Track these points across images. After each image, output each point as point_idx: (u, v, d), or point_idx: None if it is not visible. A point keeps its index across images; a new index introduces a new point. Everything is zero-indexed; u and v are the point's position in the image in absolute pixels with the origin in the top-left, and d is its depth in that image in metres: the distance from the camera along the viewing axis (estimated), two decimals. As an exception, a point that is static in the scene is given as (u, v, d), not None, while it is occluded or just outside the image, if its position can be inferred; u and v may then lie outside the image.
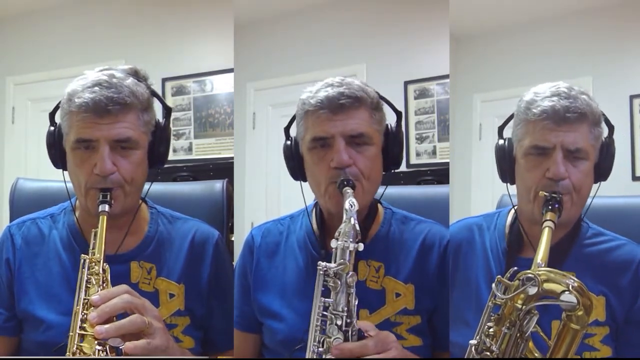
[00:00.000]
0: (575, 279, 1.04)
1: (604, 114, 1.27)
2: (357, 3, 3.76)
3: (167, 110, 1.33)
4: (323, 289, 1.12)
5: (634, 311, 1.26)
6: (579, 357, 1.24)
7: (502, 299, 1.07)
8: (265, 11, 3.95)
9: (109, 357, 1.07)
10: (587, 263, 1.28)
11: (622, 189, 3.33)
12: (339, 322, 1.10)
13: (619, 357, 1.26)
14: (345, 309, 1.10)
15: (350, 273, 1.11)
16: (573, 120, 1.21)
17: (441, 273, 1.32)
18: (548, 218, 1.19)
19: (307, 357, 1.12)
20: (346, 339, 1.10)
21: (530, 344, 1.09)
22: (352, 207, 1.14)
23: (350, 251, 1.11)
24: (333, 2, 3.82)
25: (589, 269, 1.27)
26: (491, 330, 1.09)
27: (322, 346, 1.11)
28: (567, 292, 1.02)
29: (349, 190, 1.19)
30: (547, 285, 1.04)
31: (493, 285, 1.09)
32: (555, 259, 1.26)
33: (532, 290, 1.04)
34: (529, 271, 1.05)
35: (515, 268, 1.09)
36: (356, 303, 1.12)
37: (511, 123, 1.31)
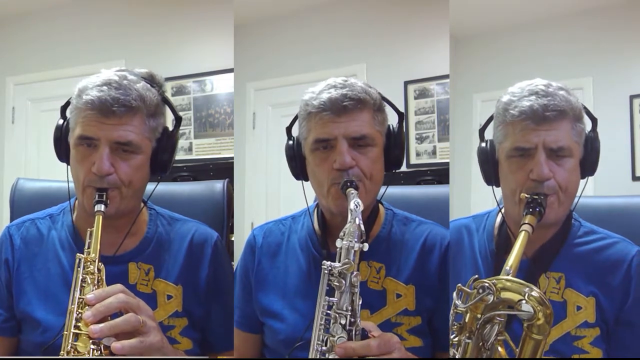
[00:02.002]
0: (535, 288, 1.01)
1: (585, 108, 1.24)
2: (357, 3, 3.76)
3: (177, 120, 1.32)
4: (327, 288, 1.11)
5: (625, 311, 1.23)
6: (566, 359, 1.22)
7: (463, 308, 1.05)
8: (265, 11, 3.95)
9: (104, 356, 1.07)
10: (577, 262, 1.26)
11: (622, 189, 3.34)
12: (343, 321, 1.10)
13: (610, 359, 1.23)
14: (350, 308, 1.10)
15: (355, 273, 1.10)
16: (553, 118, 1.18)
17: (442, 274, 1.31)
18: (526, 222, 1.15)
19: (310, 356, 1.12)
20: (350, 338, 1.10)
21: (503, 350, 1.06)
22: (357, 207, 1.13)
23: (355, 251, 1.11)
24: (333, 2, 3.82)
25: (579, 269, 1.25)
26: (455, 339, 1.07)
27: (326, 345, 1.11)
28: (523, 302, 0.99)
29: (353, 191, 1.18)
30: (504, 294, 1.01)
31: (454, 294, 1.06)
32: (545, 259, 1.25)
33: (489, 299, 1.01)
34: (485, 280, 1.03)
35: (476, 276, 1.06)
36: (360, 303, 1.12)
37: (492, 125, 1.28)
